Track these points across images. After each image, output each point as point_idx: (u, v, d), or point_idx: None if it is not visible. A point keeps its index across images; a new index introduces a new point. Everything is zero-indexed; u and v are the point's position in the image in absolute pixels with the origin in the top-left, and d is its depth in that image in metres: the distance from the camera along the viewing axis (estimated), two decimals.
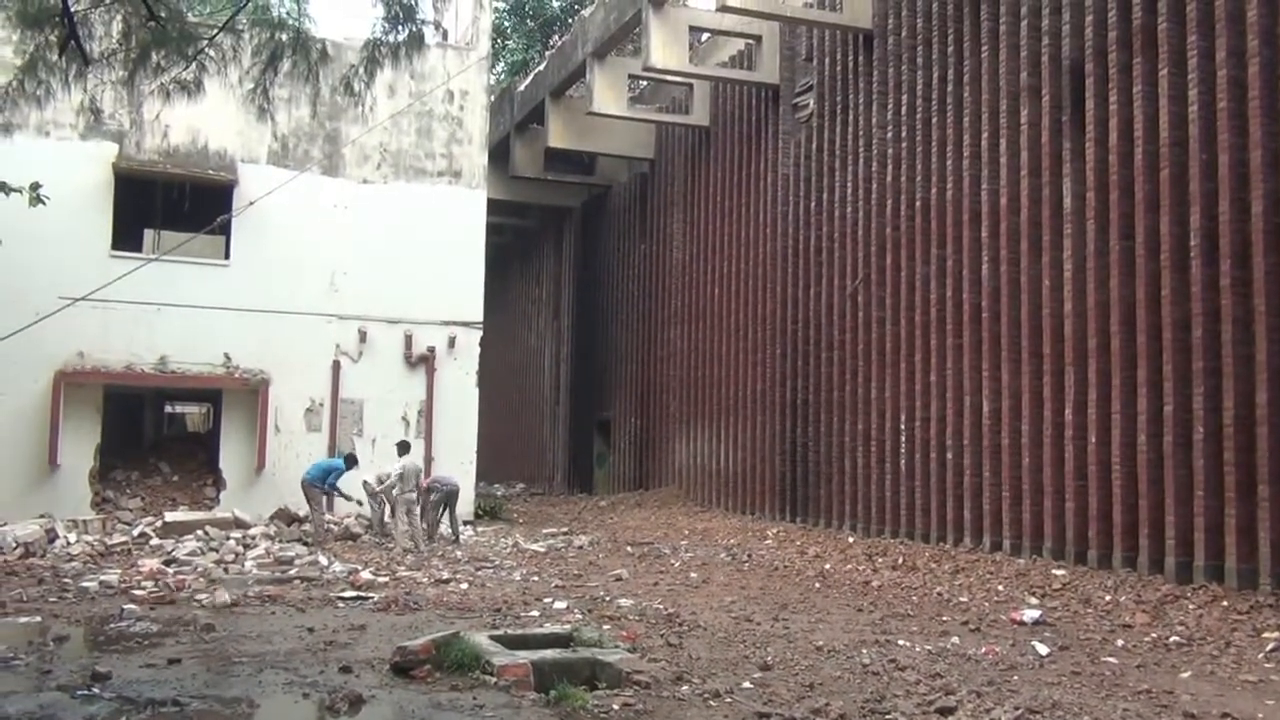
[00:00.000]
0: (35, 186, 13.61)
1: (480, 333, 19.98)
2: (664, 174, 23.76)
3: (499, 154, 24.33)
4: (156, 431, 21.52)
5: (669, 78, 20.99)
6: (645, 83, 23.80)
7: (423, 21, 9.66)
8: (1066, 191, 12.77)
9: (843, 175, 17.17)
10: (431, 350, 19.37)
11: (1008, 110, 13.68)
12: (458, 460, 19.18)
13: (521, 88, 25.76)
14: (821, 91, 17.91)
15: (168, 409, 24.25)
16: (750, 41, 19.63)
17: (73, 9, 7.98)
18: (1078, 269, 12.51)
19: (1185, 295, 11.14)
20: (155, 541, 14.91)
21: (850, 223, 16.84)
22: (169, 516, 15.96)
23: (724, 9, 16.67)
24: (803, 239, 18.08)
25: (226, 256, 18.47)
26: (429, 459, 18.80)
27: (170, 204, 18.95)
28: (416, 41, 9.52)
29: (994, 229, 13.85)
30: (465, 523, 18.26)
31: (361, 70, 9.76)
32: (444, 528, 16.67)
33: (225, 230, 17.79)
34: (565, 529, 18.70)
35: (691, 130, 22.27)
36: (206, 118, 17.17)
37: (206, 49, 8.85)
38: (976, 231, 14.14)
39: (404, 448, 16.73)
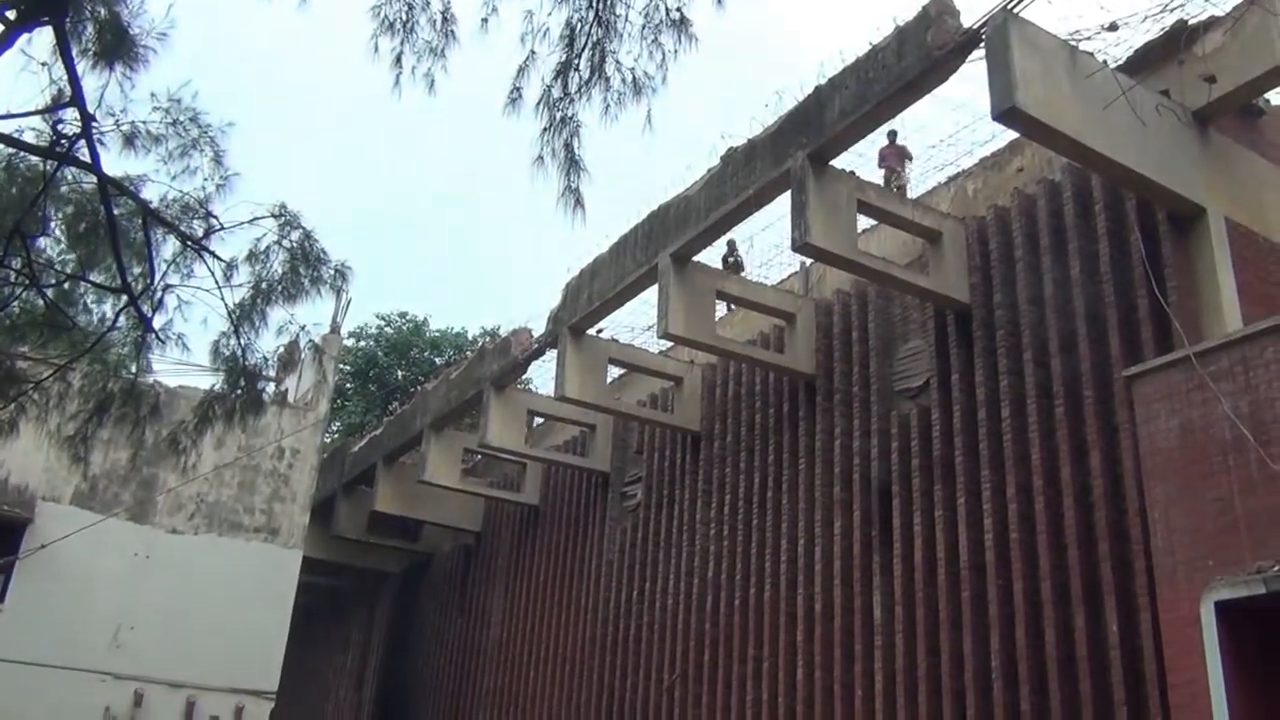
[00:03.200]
0: None
1: (272, 704, 18.46)
2: (489, 548, 23.58)
3: (322, 511, 23.82)
4: None
5: (504, 455, 21.43)
6: (479, 457, 24.20)
7: (263, 387, 9.79)
8: (876, 604, 13.24)
9: (665, 566, 17.42)
10: None
11: (821, 520, 14.42)
12: None
13: (355, 449, 25.78)
14: (650, 483, 18.56)
15: None
16: (585, 429, 20.46)
17: None
18: (887, 681, 12.71)
19: (990, 717, 11.37)
20: None
21: (670, 614, 16.87)
22: None
23: (562, 399, 17.48)
24: (623, 627, 17.92)
25: (1, 600, 16.90)
26: None
27: None
28: (254, 404, 9.58)
29: (809, 634, 14.08)
30: None
31: (191, 427, 9.68)
32: None
33: (6, 571, 16.43)
34: None
35: (521, 507, 22.46)
36: (11, 450, 16.37)
37: (30, 392, 8.67)
38: (792, 635, 14.34)
39: None
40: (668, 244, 15.49)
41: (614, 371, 19.41)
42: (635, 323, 20.28)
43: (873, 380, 14.45)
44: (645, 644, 17.29)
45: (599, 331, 18.30)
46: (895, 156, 15.85)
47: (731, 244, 18.19)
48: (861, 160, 14.65)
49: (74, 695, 16.77)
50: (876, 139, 14.79)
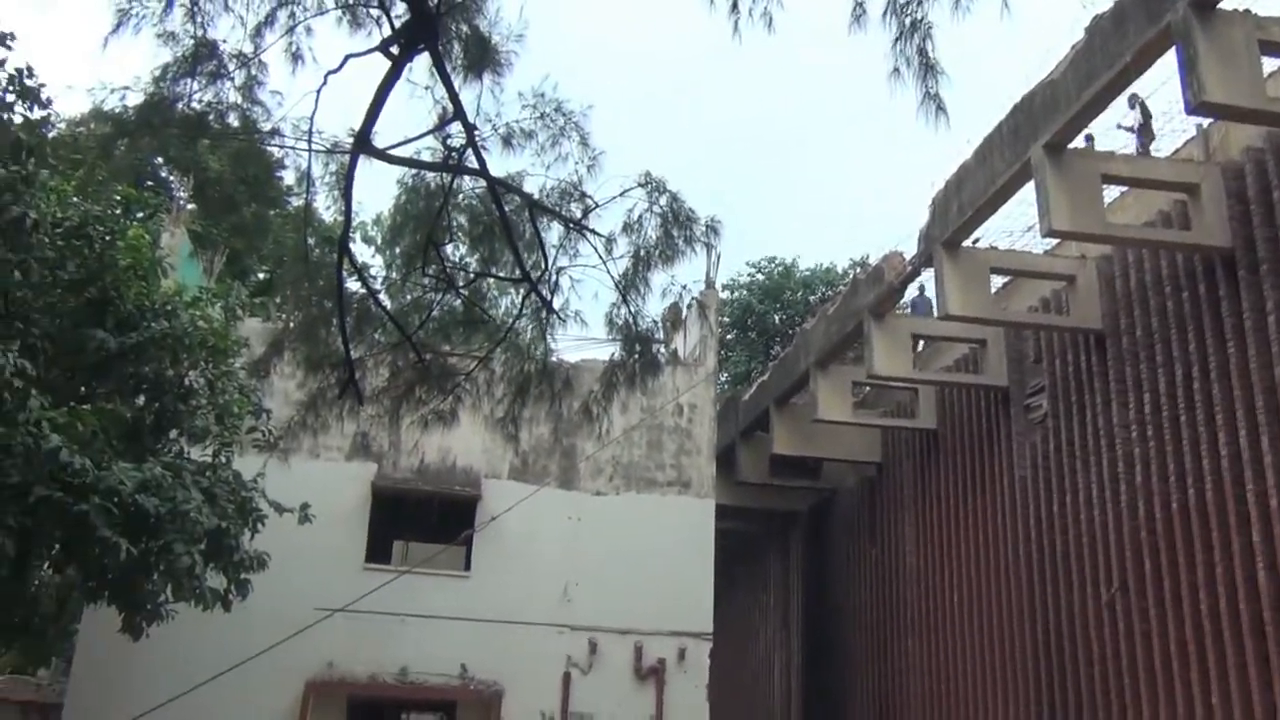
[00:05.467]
0: (304, 507, 14.88)
1: (710, 644, 19.56)
2: (893, 478, 23.38)
3: (725, 460, 24.76)
4: None
5: (893, 384, 21.12)
6: (868, 388, 24.01)
7: (656, 349, 10.29)
8: None
9: (1085, 476, 16.37)
10: (661, 663, 19.05)
11: (1265, 406, 12.86)
12: None
13: (746, 397, 26.51)
14: (1054, 392, 17.49)
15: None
16: (974, 345, 19.65)
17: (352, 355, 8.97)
18: None
19: None
20: None
21: (1100, 526, 15.85)
22: None
23: (946, 318, 16.86)
24: (1047, 544, 17.09)
25: (467, 568, 19.23)
26: None
27: (418, 517, 20.12)
28: (652, 367, 10.10)
29: (1266, 533, 12.66)
30: None
31: (599, 394, 10.40)
32: None
33: (467, 543, 18.65)
34: None
35: (919, 433, 22.04)
36: (455, 437, 18.47)
37: (463, 383, 9.71)
38: (1246, 536, 12.97)
39: None
40: (1037, 136, 14.42)
41: (997, 281, 18.46)
42: (1012, 226, 19.17)
43: None
44: (1075, 559, 16.37)
45: (975, 242, 17.46)
46: None
47: (1137, 101, 16.37)
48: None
49: (538, 646, 18.75)
50: None
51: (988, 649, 18.53)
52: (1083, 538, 16.25)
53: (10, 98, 11.02)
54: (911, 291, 20.03)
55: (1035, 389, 18.23)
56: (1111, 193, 15.98)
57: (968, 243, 17.09)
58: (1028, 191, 15.46)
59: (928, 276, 18.11)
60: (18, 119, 10.79)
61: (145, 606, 12.49)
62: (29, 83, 10.86)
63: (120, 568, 11.11)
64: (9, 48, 10.70)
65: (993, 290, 18.09)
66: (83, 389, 12.43)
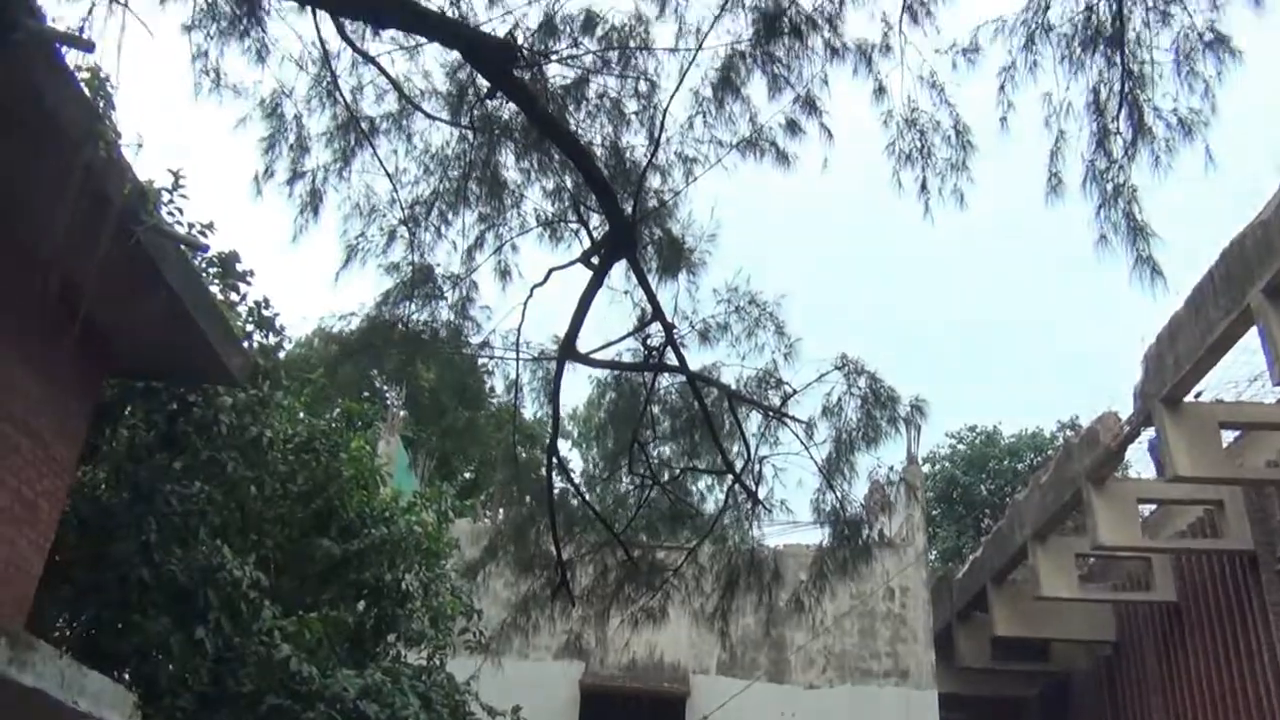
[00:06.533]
0: (516, 710, 14.80)
1: None
2: (1133, 657, 21.40)
3: (942, 645, 23.33)
4: None
5: (1121, 554, 19.64)
6: (1093, 560, 22.40)
7: (866, 534, 9.95)
8: None
9: None
10: None
11: None
12: None
13: (959, 575, 25.19)
14: None
15: None
16: (1210, 507, 18.14)
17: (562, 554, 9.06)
18: None
19: None
20: None
21: None
22: None
23: (1175, 479, 15.71)
24: None
25: None
26: None
27: (627, 715, 19.68)
28: (863, 552, 9.75)
29: None
30: None
31: (810, 584, 10.08)
32: None
33: None
34: None
35: (1158, 607, 20.24)
36: (662, 632, 18.17)
37: (671, 579, 9.60)
38: None
39: None
40: (1254, 280, 13.65)
41: (1227, 436, 17.16)
42: (1237, 375, 17.95)
43: None
44: None
45: (1197, 396, 16.40)
46: None
47: None
48: None
49: None
50: None
51: None
52: None
53: (250, 328, 12.06)
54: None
55: None
56: None
57: (1189, 397, 16.07)
58: (1250, 339, 14.54)
59: (1148, 437, 17.04)
60: (256, 346, 11.77)
61: None
62: (266, 313, 11.88)
63: None
64: (249, 283, 11.79)
65: (1224, 446, 16.81)
66: (309, 597, 12.96)
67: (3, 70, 5.35)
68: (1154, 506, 20.28)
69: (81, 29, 5.38)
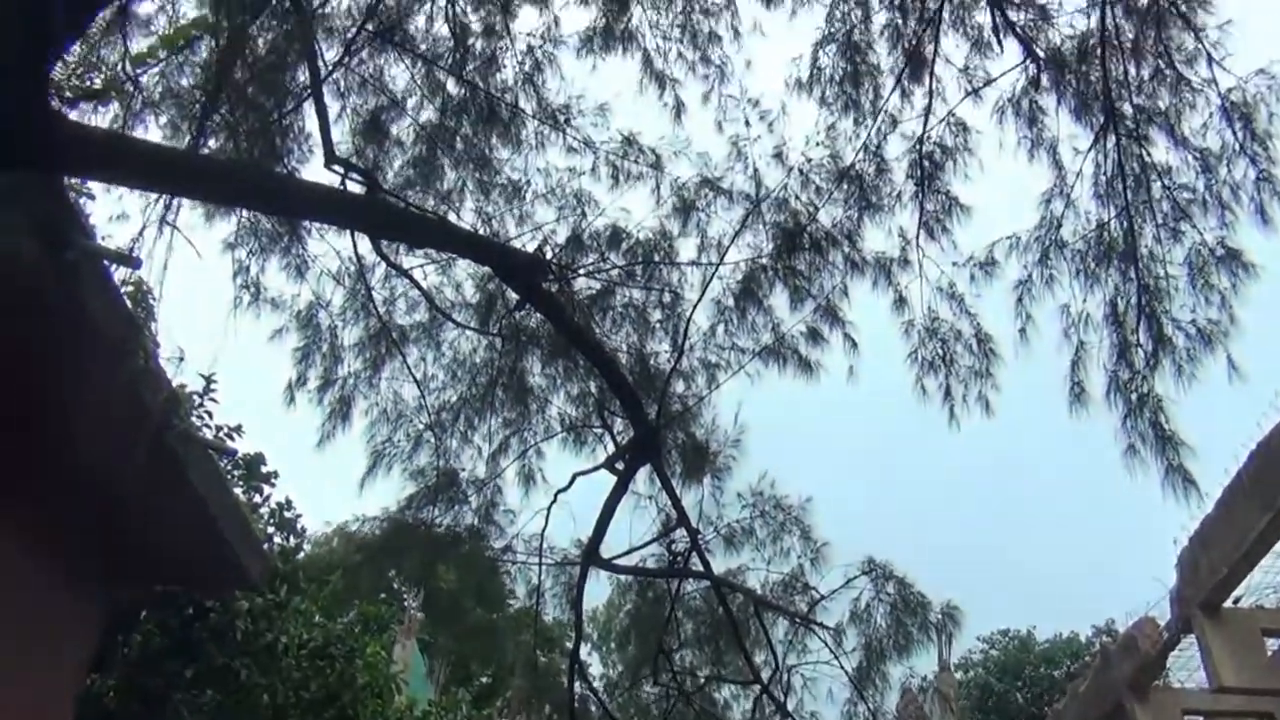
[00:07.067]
0: None
1: None
2: None
3: None
4: None
5: None
6: None
7: None
8: None
9: None
10: None
11: None
12: None
13: None
14: None
15: None
16: (1261, 718, 17.23)
17: None
18: None
19: None
20: None
21: None
22: None
23: (1220, 690, 15.02)
24: None
25: None
26: None
27: None
28: None
29: None
30: None
31: None
32: None
33: None
34: None
35: None
36: None
37: None
38: None
39: None
40: None
41: (1272, 643, 16.49)
42: (1277, 581, 17.41)
43: None
44: None
45: (1236, 601, 15.87)
46: None
47: None
48: None
49: None
50: None
51: None
52: None
53: (270, 529, 12.04)
54: None
55: None
56: None
57: (1228, 603, 15.56)
58: None
59: (1190, 643, 16.42)
60: (276, 549, 11.71)
61: None
62: (287, 514, 11.89)
63: None
64: (273, 485, 11.86)
65: (1268, 654, 16.13)
66: None
67: (53, 284, 5.55)
68: (1200, 718, 19.32)
69: (132, 249, 5.61)
